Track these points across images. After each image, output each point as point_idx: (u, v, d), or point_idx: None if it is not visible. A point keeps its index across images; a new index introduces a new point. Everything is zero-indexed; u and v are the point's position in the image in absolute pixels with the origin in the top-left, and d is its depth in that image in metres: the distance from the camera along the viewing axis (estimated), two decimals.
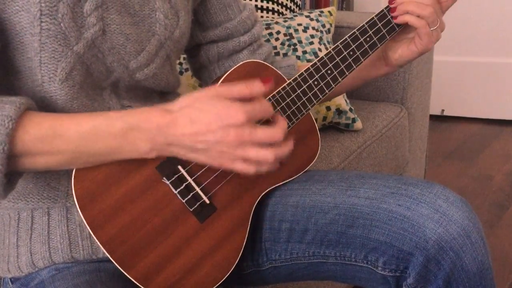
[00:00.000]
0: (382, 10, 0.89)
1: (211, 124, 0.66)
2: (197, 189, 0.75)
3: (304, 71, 0.84)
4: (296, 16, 1.52)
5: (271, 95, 0.82)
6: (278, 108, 0.82)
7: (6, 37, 0.69)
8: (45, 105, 0.71)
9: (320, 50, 1.46)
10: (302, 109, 0.84)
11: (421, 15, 0.86)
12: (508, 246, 1.76)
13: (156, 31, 0.78)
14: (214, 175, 0.76)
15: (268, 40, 1.44)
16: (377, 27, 0.88)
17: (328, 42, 1.52)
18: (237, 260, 0.76)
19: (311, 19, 1.51)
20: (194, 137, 0.66)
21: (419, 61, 1.65)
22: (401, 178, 0.81)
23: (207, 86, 0.99)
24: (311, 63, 0.85)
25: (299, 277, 0.86)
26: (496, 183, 2.20)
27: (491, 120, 2.86)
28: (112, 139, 0.67)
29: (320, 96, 0.85)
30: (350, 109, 1.45)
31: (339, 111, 1.43)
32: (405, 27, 0.90)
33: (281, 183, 0.85)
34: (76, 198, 0.68)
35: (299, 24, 1.48)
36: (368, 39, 0.88)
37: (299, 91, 0.84)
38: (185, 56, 1.04)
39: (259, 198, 0.81)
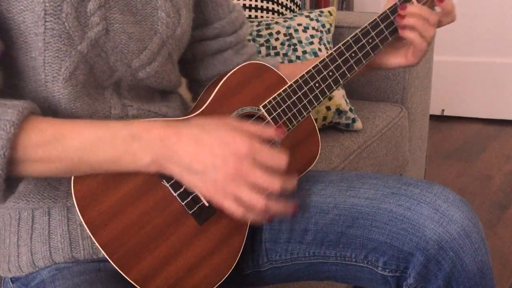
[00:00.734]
0: (385, 12, 0.88)
1: (214, 148, 0.66)
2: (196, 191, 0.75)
3: (306, 73, 0.85)
4: (296, 16, 1.52)
5: (272, 97, 0.82)
6: (278, 110, 0.82)
7: (10, 36, 0.69)
8: (47, 105, 0.71)
9: (320, 50, 1.46)
10: (303, 111, 0.84)
11: (424, 35, 0.86)
12: (508, 246, 1.76)
13: (158, 30, 0.78)
14: None
15: (268, 40, 1.44)
16: (379, 28, 0.88)
17: (328, 42, 1.52)
18: (235, 262, 0.76)
19: (311, 19, 1.51)
20: (194, 156, 0.66)
21: None
22: (401, 178, 0.81)
23: (189, 80, 0.98)
24: (312, 65, 0.85)
25: (300, 278, 0.86)
26: (496, 183, 2.20)
27: (491, 120, 2.86)
28: (114, 150, 0.66)
29: (321, 99, 0.86)
30: (350, 109, 1.45)
31: (339, 111, 1.43)
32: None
33: None
34: (76, 200, 0.68)
35: (299, 24, 1.48)
36: (370, 40, 0.88)
37: (300, 93, 0.84)
38: None
39: None
